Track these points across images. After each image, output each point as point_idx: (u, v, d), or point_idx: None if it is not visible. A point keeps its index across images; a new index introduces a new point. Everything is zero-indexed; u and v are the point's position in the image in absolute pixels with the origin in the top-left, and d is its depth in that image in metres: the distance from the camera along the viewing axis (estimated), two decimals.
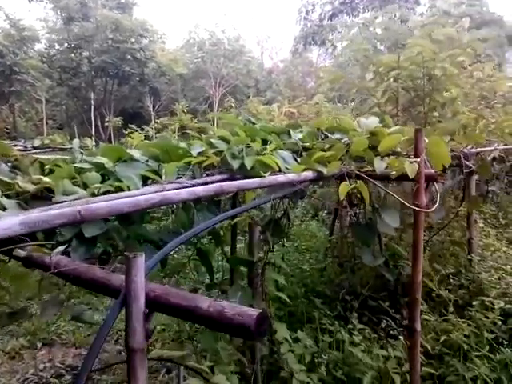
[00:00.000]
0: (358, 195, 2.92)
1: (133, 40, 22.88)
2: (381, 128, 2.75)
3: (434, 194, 2.39)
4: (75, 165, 2.14)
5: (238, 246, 3.45)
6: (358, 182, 2.20)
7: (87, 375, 1.06)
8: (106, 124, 20.49)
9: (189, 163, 2.23)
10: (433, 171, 2.42)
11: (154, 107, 22.96)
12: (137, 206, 1.45)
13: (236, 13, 61.96)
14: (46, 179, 1.92)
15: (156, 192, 1.83)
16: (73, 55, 23.18)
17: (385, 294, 3.29)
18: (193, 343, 3.27)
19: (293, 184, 2.06)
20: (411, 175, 2.15)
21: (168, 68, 24.57)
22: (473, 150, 3.80)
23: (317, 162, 2.32)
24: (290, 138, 2.86)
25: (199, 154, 2.34)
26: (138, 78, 23.85)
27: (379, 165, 2.23)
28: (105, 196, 1.67)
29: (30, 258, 1.48)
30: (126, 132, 11.01)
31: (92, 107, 24.08)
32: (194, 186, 1.96)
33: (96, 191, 1.91)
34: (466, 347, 2.94)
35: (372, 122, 2.93)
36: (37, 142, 7.63)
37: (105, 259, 1.92)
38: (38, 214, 1.20)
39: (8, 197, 1.89)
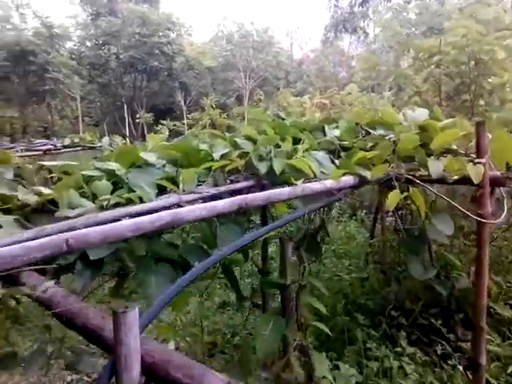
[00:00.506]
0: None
1: (160, 34, 22.80)
2: (432, 121, 2.36)
3: (500, 198, 2.00)
4: (83, 172, 1.91)
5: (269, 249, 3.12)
6: (410, 187, 1.84)
7: None
8: (138, 120, 20.61)
9: (210, 168, 1.95)
10: (499, 173, 2.02)
11: (185, 102, 22.90)
12: (140, 229, 1.18)
13: (264, 4, 61.25)
14: (47, 191, 1.70)
15: (171, 206, 1.57)
16: (101, 51, 23.35)
17: (436, 310, 2.87)
18: None
19: (331, 192, 1.73)
20: (476, 180, 1.77)
21: (196, 61, 24.45)
22: None
23: (358, 165, 1.98)
24: (325, 135, 2.52)
25: (222, 156, 2.06)
26: (166, 73, 23.84)
27: (435, 168, 1.85)
28: (105, 213, 1.42)
29: (20, 290, 1.24)
30: (158, 128, 10.89)
31: (124, 104, 24.34)
32: (214, 196, 1.68)
33: (105, 204, 1.68)
34: None
35: (420, 114, 2.54)
36: (67, 141, 7.59)
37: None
38: (10, 248, 0.95)
39: (8, 211, 1.69)
